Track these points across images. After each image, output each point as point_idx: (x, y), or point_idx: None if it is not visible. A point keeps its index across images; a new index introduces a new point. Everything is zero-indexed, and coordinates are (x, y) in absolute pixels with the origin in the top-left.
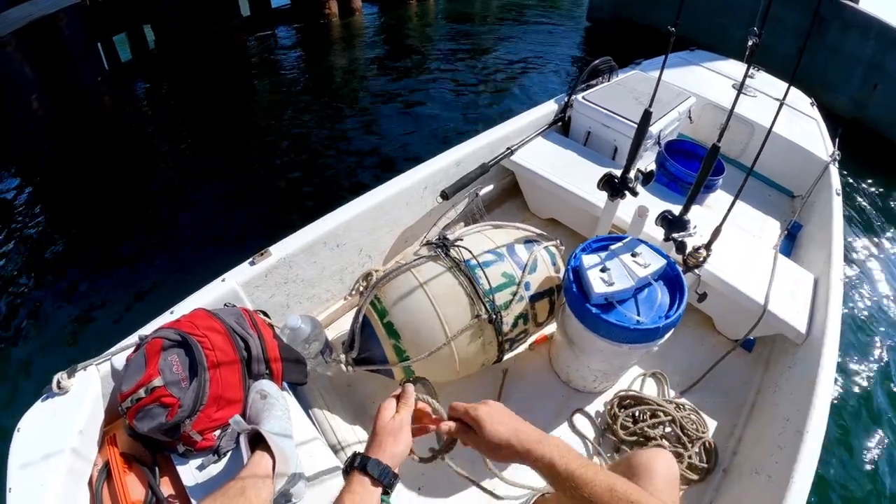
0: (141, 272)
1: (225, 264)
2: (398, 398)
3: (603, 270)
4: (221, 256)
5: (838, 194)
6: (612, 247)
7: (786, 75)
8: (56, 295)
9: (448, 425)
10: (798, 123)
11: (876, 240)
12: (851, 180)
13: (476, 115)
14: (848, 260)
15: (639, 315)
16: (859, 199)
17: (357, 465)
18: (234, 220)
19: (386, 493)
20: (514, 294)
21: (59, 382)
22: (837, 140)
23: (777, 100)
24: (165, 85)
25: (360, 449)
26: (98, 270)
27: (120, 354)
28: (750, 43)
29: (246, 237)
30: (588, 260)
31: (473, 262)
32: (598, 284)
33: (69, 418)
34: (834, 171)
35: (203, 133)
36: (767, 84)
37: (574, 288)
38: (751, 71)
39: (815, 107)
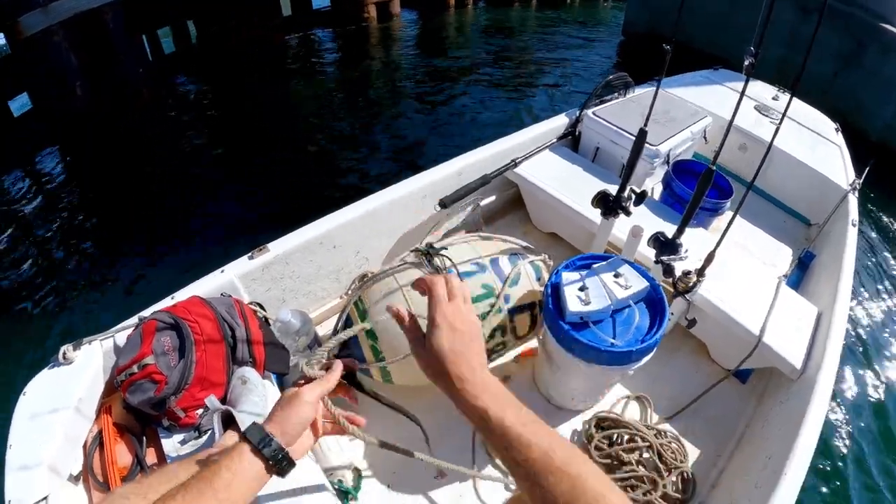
0: (150, 259)
1: (228, 256)
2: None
3: (582, 289)
4: (226, 248)
5: (854, 225)
6: (595, 266)
7: (818, 98)
8: (72, 274)
9: (399, 309)
10: (820, 148)
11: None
12: (877, 209)
13: (505, 125)
14: (858, 294)
15: (614, 337)
16: (883, 229)
17: (242, 431)
18: (246, 215)
19: (273, 470)
20: (493, 306)
21: (65, 353)
22: (867, 170)
23: (800, 124)
24: (204, 79)
25: (337, 438)
26: (111, 255)
27: (122, 332)
28: (746, 63)
29: (253, 232)
30: (568, 277)
31: (454, 271)
32: (573, 302)
33: (71, 387)
34: (853, 200)
35: (234, 128)
36: (797, 111)
37: (550, 304)
38: (776, 93)
39: (839, 132)
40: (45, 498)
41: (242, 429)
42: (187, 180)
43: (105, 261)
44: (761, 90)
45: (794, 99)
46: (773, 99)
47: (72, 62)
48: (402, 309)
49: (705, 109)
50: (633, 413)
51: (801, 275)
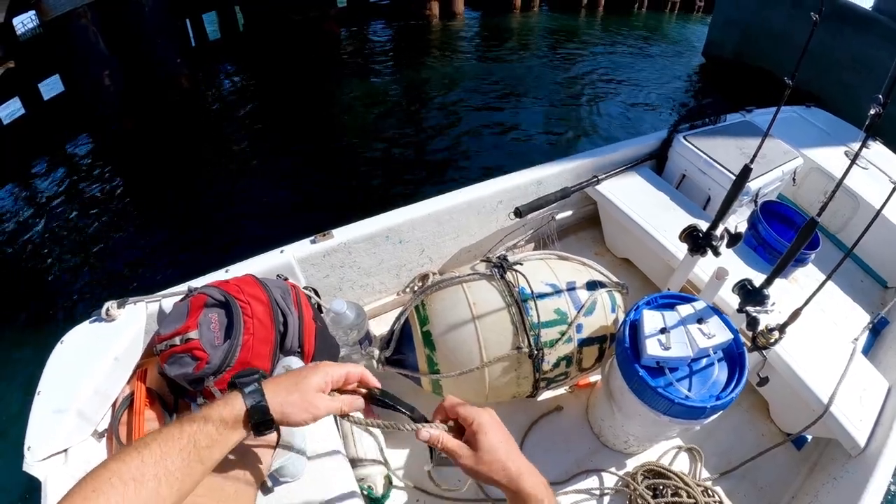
0: (209, 229)
1: (286, 237)
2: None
3: (662, 331)
4: (284, 229)
5: None
6: (679, 307)
7: None
8: (123, 240)
9: (430, 433)
10: None
11: None
12: None
13: (563, 138)
14: None
15: (689, 389)
16: None
17: (245, 397)
18: (304, 199)
19: (257, 430)
20: (563, 334)
21: (108, 310)
22: None
23: (891, 179)
24: (250, 68)
25: (372, 443)
26: (163, 225)
27: (170, 298)
28: (872, 112)
29: (311, 217)
30: (649, 316)
31: (528, 290)
32: (652, 345)
33: (109, 344)
34: None
35: (285, 116)
36: (883, 158)
37: (627, 342)
38: (867, 141)
39: None
40: (65, 450)
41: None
42: (243, 160)
43: (157, 228)
44: (850, 134)
45: (886, 149)
46: (866, 147)
47: (100, 46)
48: (432, 432)
49: (796, 149)
50: (682, 465)
51: (872, 341)
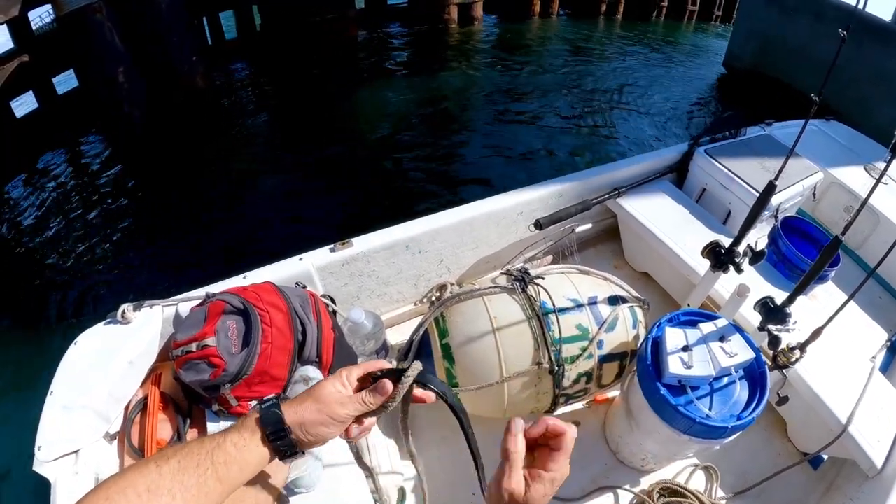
0: (226, 234)
1: (305, 245)
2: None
3: (685, 349)
4: (303, 236)
5: None
6: (702, 325)
7: None
8: (144, 242)
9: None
10: None
11: None
12: None
13: (583, 149)
14: None
15: (710, 408)
16: None
17: (260, 408)
18: (323, 207)
19: (277, 457)
20: (584, 350)
21: (123, 312)
22: None
23: None
24: (267, 69)
25: (386, 454)
26: (185, 226)
27: (186, 303)
28: None
29: (330, 225)
30: (671, 334)
31: (550, 305)
32: (674, 364)
33: (124, 347)
34: None
35: (302, 120)
36: None
37: (649, 360)
38: (887, 155)
39: None
40: (76, 451)
41: None
42: (260, 164)
43: (173, 232)
44: (870, 149)
45: None
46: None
47: (115, 42)
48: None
49: (815, 164)
50: (697, 483)
51: (890, 359)
